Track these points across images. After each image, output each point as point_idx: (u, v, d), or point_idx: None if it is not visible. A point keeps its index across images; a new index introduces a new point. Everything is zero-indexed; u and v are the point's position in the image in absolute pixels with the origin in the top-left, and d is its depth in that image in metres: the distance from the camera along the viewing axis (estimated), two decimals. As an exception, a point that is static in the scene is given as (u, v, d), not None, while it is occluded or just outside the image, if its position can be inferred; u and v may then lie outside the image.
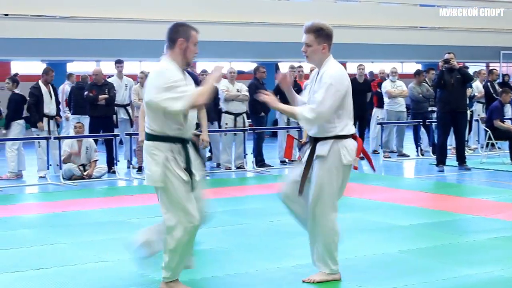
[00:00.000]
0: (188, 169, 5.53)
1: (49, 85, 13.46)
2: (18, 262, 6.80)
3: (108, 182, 12.84)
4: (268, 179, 13.11)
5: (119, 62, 14.87)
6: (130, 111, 14.49)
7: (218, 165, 14.47)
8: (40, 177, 13.02)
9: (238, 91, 14.15)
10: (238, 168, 14.18)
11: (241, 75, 15.43)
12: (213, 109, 14.03)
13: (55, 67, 15.02)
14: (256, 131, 14.32)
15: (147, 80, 5.68)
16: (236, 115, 14.16)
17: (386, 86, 16.21)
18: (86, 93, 13.81)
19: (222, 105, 14.20)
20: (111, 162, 13.64)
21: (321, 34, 5.88)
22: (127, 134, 13.71)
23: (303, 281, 6.04)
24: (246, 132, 14.13)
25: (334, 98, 5.74)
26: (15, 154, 13.25)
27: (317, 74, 5.98)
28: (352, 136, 5.96)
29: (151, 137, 5.58)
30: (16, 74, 14.29)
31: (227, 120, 14.19)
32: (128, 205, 10.29)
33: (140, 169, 13.41)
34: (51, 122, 13.38)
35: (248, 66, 20.36)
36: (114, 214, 9.26)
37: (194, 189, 5.58)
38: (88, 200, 10.89)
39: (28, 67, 22.90)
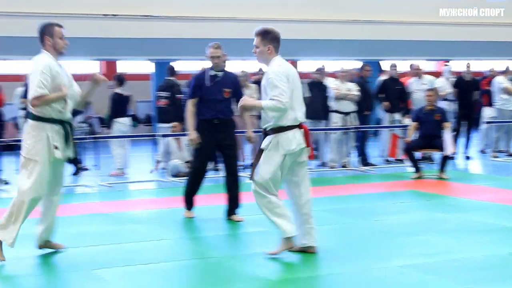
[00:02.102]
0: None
1: None
2: (128, 256, 6.94)
3: (214, 180, 12.97)
4: (373, 178, 12.99)
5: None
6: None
7: (323, 164, 14.43)
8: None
9: (348, 90, 14.07)
10: (342, 167, 14.11)
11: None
12: (321, 108, 14.02)
13: (162, 66, 15.30)
14: (360, 129, 14.21)
15: None
16: (345, 114, 14.08)
17: (502, 81, 15.75)
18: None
19: (332, 104, 14.14)
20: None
21: (267, 37, 6.61)
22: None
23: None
24: (352, 131, 14.04)
25: (284, 87, 6.43)
26: (120, 152, 13.59)
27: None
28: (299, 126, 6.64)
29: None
30: (121, 74, 14.62)
31: (336, 119, 14.12)
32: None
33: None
34: None
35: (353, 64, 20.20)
36: (220, 211, 9.34)
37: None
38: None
39: (135, 66, 23.43)
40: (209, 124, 8.78)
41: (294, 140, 6.56)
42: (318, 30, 20.92)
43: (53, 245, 7.04)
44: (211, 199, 10.21)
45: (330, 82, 14.44)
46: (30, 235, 7.01)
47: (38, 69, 6.51)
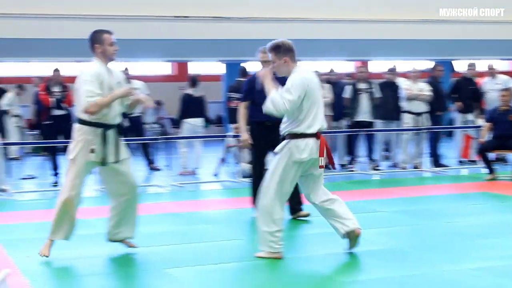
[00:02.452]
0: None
1: None
2: (199, 256, 7.00)
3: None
4: (445, 179, 12.84)
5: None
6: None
7: (395, 165, 14.33)
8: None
9: (420, 90, 13.93)
10: (414, 168, 13.98)
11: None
12: (393, 108, 13.93)
13: (233, 67, 15.39)
14: (432, 130, 14.05)
15: None
16: (417, 114, 13.94)
17: None
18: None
19: (404, 104, 14.02)
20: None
21: (279, 50, 6.74)
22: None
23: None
24: (424, 132, 13.89)
25: (294, 96, 6.54)
26: (186, 151, 13.85)
27: None
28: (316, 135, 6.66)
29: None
30: (195, 75, 14.77)
31: (407, 120, 13.99)
32: (303, 203, 10.33)
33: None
34: None
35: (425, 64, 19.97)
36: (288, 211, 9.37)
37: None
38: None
39: (206, 67, 23.61)
40: (261, 126, 8.97)
41: (307, 149, 6.61)
42: (389, 30, 20.74)
43: (126, 243, 7.15)
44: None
45: (401, 82, 14.33)
46: (102, 234, 7.14)
47: (85, 79, 6.62)
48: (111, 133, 6.78)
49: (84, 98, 6.56)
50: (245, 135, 9.13)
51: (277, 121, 8.82)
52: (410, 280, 6.06)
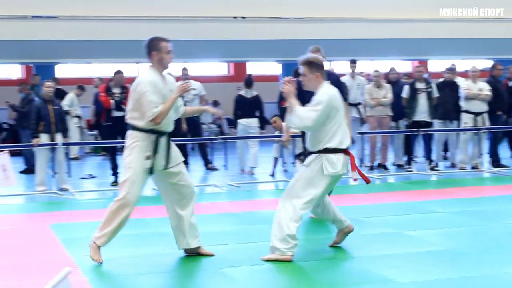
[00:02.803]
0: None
1: None
2: (256, 256, 7.00)
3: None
4: (505, 180, 12.65)
5: (353, 62, 14.98)
6: (361, 110, 14.56)
7: (453, 165, 14.17)
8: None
9: (479, 90, 13.75)
10: (473, 168, 13.81)
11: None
12: (452, 108, 13.79)
13: (289, 67, 15.39)
14: (492, 130, 13.85)
15: None
16: (476, 114, 13.77)
17: None
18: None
19: (462, 104, 13.86)
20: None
21: (313, 65, 6.93)
22: (359, 133, 13.76)
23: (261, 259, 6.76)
24: (483, 132, 13.71)
25: (320, 113, 6.72)
26: (243, 151, 14.03)
27: None
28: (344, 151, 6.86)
29: None
30: (250, 76, 14.82)
31: (466, 119, 13.83)
32: (361, 203, 10.30)
33: (371, 168, 13.53)
34: None
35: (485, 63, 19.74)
36: (347, 212, 9.33)
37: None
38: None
39: (263, 67, 23.66)
40: None
41: (339, 163, 6.79)
42: (448, 29, 20.53)
43: (199, 251, 7.07)
44: (340, 200, 10.20)
45: (461, 82, 14.16)
46: (162, 233, 7.21)
47: (145, 89, 6.63)
48: (163, 140, 6.81)
49: (149, 109, 6.60)
50: (286, 136, 9.20)
51: None
52: (468, 282, 6.00)
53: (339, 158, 6.79)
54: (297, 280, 6.14)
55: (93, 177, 13.93)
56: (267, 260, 6.72)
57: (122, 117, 12.49)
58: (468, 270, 6.36)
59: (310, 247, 7.54)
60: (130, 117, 6.81)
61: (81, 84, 18.21)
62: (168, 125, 6.85)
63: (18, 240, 8.15)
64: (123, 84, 12.70)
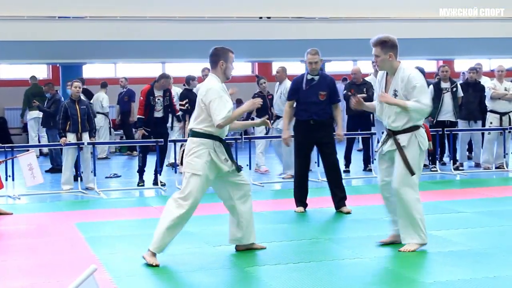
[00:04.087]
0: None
1: None
2: (279, 255, 7.05)
3: (366, 180, 12.95)
4: (530, 180, 12.59)
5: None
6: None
7: (477, 165, 14.11)
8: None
9: (505, 90, 13.68)
10: (497, 168, 13.74)
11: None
12: (477, 107, 13.73)
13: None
14: (517, 130, 13.79)
15: None
16: (502, 114, 13.69)
17: None
18: (344, 92, 14.05)
19: (488, 104, 13.79)
20: (367, 160, 13.84)
21: (386, 45, 6.89)
22: (383, 133, 13.71)
23: (399, 251, 6.94)
24: (508, 131, 13.63)
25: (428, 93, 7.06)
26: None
27: (390, 77, 7.03)
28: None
29: None
30: (260, 77, 14.89)
31: (491, 119, 13.76)
32: (381, 203, 10.25)
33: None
34: None
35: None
36: (369, 212, 9.34)
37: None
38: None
39: (288, 67, 23.63)
40: (305, 124, 9.40)
41: (426, 137, 7.02)
42: (474, 28, 20.42)
43: (254, 247, 7.24)
44: (363, 199, 10.21)
45: (486, 82, 14.09)
46: (187, 232, 7.25)
47: (215, 96, 6.71)
48: (224, 144, 6.93)
49: (221, 114, 6.66)
50: (286, 134, 9.64)
51: (321, 120, 9.15)
52: (492, 282, 5.99)
53: (425, 132, 7.07)
54: (321, 279, 6.15)
55: (118, 176, 14.02)
56: (409, 251, 6.92)
57: (160, 118, 12.49)
58: (492, 270, 6.34)
59: (334, 246, 7.56)
60: (196, 123, 6.86)
61: (104, 81, 18.24)
62: (225, 131, 6.98)
63: (44, 238, 8.24)
64: (168, 87, 12.63)
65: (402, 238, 7.03)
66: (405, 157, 6.87)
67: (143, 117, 12.34)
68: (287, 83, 13.00)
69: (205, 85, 6.93)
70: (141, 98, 12.47)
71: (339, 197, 9.47)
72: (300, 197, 9.61)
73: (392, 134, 7.01)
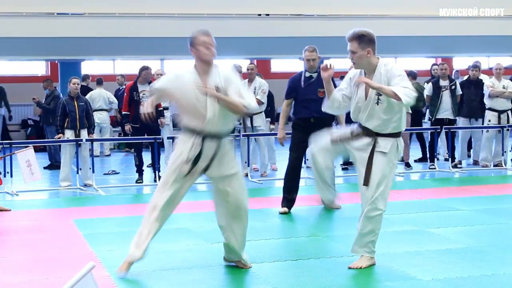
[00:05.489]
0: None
1: None
2: (278, 252, 7.06)
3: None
4: (528, 178, 12.60)
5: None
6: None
7: (476, 163, 14.11)
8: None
9: (504, 88, 13.68)
10: (496, 166, 13.74)
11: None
12: (477, 105, 13.74)
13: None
14: (515, 128, 13.80)
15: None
16: (500, 112, 13.70)
17: None
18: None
19: (486, 102, 13.79)
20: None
21: (363, 39, 6.20)
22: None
23: (349, 267, 6.35)
24: (507, 129, 13.64)
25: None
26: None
27: (368, 76, 6.24)
28: None
29: None
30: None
31: (490, 117, 13.77)
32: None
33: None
34: None
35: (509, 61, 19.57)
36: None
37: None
38: (344, 194, 11.01)
39: (287, 64, 23.66)
40: (305, 122, 9.19)
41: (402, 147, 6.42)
42: (473, 26, 20.43)
43: (239, 263, 6.56)
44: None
45: (485, 79, 14.10)
46: (185, 229, 7.25)
47: (241, 82, 6.35)
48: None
49: (253, 99, 6.23)
50: (281, 133, 9.44)
51: (321, 117, 8.95)
52: (490, 280, 5.99)
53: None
54: (319, 276, 6.15)
55: (116, 173, 14.02)
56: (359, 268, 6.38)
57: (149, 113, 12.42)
58: (490, 268, 6.35)
59: (332, 243, 7.57)
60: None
61: (100, 78, 18.16)
62: None
63: (42, 235, 8.24)
64: (151, 80, 12.49)
65: (354, 250, 6.52)
66: (371, 167, 6.21)
67: (128, 113, 12.35)
68: (257, 81, 13.00)
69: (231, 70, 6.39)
70: (125, 94, 12.50)
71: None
72: (288, 193, 9.30)
73: (375, 135, 6.25)
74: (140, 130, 12.21)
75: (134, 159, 12.58)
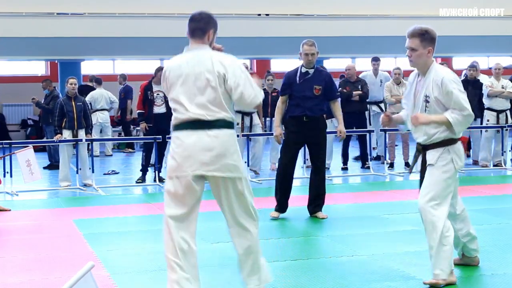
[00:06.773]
0: None
1: None
2: (277, 252, 7.05)
3: (364, 178, 12.95)
4: (528, 178, 12.61)
5: (375, 60, 14.94)
6: (383, 107, 14.55)
7: (475, 163, 14.11)
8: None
9: (502, 87, 13.69)
10: (495, 166, 13.75)
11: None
12: (476, 105, 13.74)
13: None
14: (514, 128, 13.81)
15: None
16: (499, 112, 13.70)
17: None
18: (339, 89, 14.03)
19: (485, 101, 13.80)
20: (364, 157, 13.84)
21: (427, 37, 5.80)
22: (381, 130, 13.72)
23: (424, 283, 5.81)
24: (506, 129, 13.65)
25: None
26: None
27: (420, 78, 5.90)
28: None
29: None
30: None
31: (489, 117, 13.77)
32: (382, 200, 10.30)
33: (392, 165, 13.50)
34: None
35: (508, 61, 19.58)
36: (368, 209, 9.34)
37: None
38: (344, 194, 11.03)
39: (286, 64, 23.67)
40: (297, 121, 8.81)
41: (463, 153, 5.93)
42: (472, 26, 20.45)
43: None
44: (361, 197, 10.20)
45: (484, 79, 14.11)
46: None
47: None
48: None
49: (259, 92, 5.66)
50: (278, 130, 8.98)
51: (314, 116, 8.71)
52: (490, 279, 6.00)
53: (461, 146, 5.92)
54: (319, 276, 6.15)
55: (116, 173, 14.02)
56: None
57: (163, 114, 12.34)
58: (490, 268, 6.35)
59: (331, 243, 7.57)
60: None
61: (98, 78, 18.11)
62: None
63: (42, 235, 8.24)
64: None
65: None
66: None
67: (143, 111, 12.34)
68: None
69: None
70: (139, 93, 12.48)
71: (315, 203, 8.97)
72: (281, 198, 8.98)
73: (422, 149, 5.90)
74: (152, 130, 12.21)
75: (142, 158, 12.55)
